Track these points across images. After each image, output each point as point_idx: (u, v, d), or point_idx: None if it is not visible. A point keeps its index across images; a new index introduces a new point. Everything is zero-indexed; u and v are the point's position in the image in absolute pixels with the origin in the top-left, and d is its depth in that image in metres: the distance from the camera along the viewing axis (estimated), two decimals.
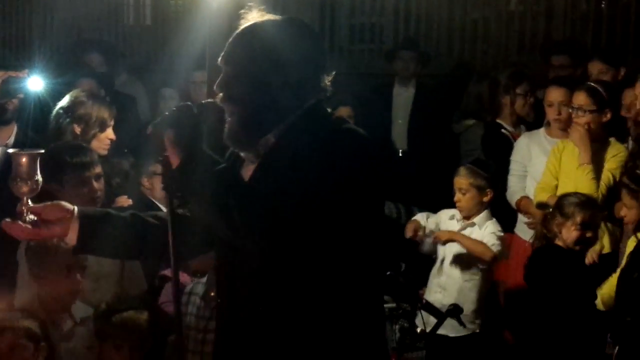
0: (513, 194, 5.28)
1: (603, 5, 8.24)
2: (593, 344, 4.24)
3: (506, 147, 5.58)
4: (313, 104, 2.42)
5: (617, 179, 4.70)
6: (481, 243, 4.79)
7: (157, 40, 8.39)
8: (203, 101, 2.44)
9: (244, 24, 2.46)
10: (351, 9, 8.72)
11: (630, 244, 4.16)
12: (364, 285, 2.42)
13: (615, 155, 4.81)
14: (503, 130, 5.81)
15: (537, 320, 4.36)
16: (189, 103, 2.45)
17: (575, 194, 4.51)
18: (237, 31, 2.45)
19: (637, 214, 4.13)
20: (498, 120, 5.87)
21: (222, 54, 2.44)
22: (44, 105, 4.76)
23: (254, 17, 2.46)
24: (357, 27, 8.83)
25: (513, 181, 5.31)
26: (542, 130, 5.33)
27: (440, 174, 5.92)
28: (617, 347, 4.04)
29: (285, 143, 2.36)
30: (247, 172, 2.44)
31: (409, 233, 4.88)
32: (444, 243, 4.84)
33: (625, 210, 4.20)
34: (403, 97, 7.00)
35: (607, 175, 4.77)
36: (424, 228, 4.92)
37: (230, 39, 2.45)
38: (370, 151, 2.40)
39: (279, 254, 2.29)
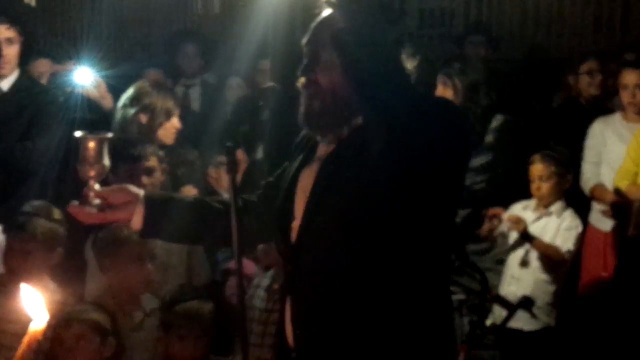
0: (587, 182, 5.13)
1: None
2: None
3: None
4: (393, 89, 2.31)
5: None
6: (552, 246, 4.67)
7: (225, 29, 8.42)
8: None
9: (327, 9, 2.41)
10: None
11: None
12: (437, 275, 2.37)
13: None
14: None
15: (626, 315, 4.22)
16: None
17: None
18: (323, 16, 2.41)
19: None
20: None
21: (307, 38, 2.41)
22: (91, 99, 4.81)
23: (334, 2, 2.40)
24: (426, 12, 8.72)
25: (587, 168, 5.17)
26: (617, 114, 5.17)
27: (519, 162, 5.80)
28: None
29: (381, 116, 2.21)
30: (322, 151, 2.40)
31: (485, 232, 4.78)
32: (522, 235, 4.71)
33: None
34: None
35: None
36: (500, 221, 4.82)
37: (317, 24, 2.41)
38: (466, 133, 2.36)
39: (357, 245, 2.24)
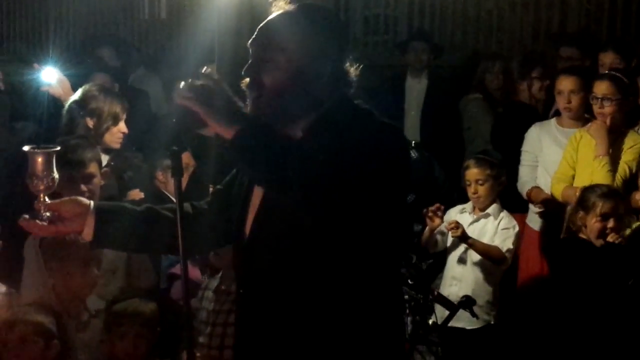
0: (524, 184, 5.27)
1: None
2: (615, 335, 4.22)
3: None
4: (341, 95, 2.42)
5: (634, 171, 4.68)
6: (493, 246, 4.79)
7: (172, 34, 8.40)
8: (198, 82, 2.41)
9: (275, 11, 2.46)
10: (365, 1, 8.70)
11: None
12: (387, 276, 2.43)
13: (632, 147, 4.77)
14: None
15: (557, 313, 4.35)
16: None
17: (597, 185, 4.48)
18: (270, 17, 2.46)
19: None
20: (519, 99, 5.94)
21: (252, 38, 2.44)
22: (57, 99, 4.82)
23: (281, 4, 2.47)
24: (371, 18, 8.81)
25: (524, 171, 5.30)
26: (553, 120, 5.31)
27: (453, 165, 5.92)
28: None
29: (315, 136, 2.34)
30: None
31: (427, 234, 4.89)
32: (460, 239, 4.82)
33: None
34: (416, 88, 6.98)
35: (623, 167, 4.74)
36: (431, 231, 4.93)
37: (263, 25, 2.45)
38: (402, 143, 2.43)
39: (309, 246, 2.29)
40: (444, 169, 6.22)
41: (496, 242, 4.83)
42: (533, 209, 5.29)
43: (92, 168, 3.97)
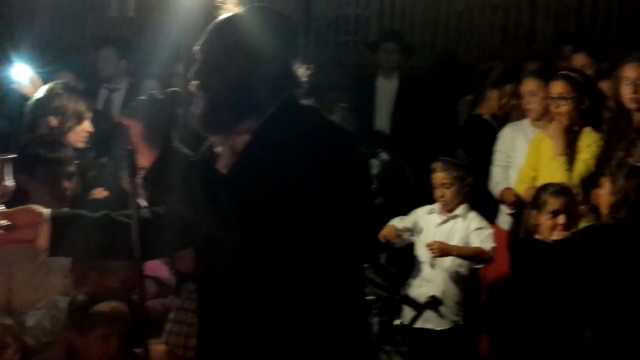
0: (496, 185, 5.29)
1: None
2: (571, 334, 4.26)
3: (489, 135, 5.63)
4: (288, 96, 2.43)
5: (592, 169, 4.71)
6: (478, 249, 4.79)
7: (141, 32, 8.35)
8: (167, 90, 2.43)
9: (222, 13, 2.47)
10: (337, 1, 8.71)
11: None
12: (344, 278, 2.43)
13: (589, 145, 4.78)
14: (485, 118, 5.87)
15: (517, 313, 4.38)
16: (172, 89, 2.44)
17: (549, 184, 4.52)
18: (215, 21, 2.47)
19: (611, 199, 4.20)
20: (478, 111, 5.91)
21: (199, 42, 2.46)
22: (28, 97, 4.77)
23: (230, 7, 2.47)
24: (342, 18, 8.81)
25: (497, 172, 5.32)
26: (526, 121, 5.33)
27: (424, 165, 5.93)
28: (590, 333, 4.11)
29: (261, 139, 2.36)
30: (222, 168, 2.43)
31: (382, 239, 4.89)
32: (439, 256, 4.79)
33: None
34: (386, 88, 7.00)
35: (580, 166, 4.76)
36: (400, 231, 4.93)
37: (207, 29, 2.47)
38: (349, 142, 2.44)
39: (261, 246, 2.29)
40: (414, 169, 6.22)
41: (475, 244, 4.83)
42: (504, 210, 5.31)
43: (72, 167, 3.93)
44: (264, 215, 2.23)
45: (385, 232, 4.89)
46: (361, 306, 2.58)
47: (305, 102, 2.53)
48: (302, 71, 2.47)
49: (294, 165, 2.24)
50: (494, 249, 4.78)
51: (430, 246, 4.73)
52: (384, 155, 5.43)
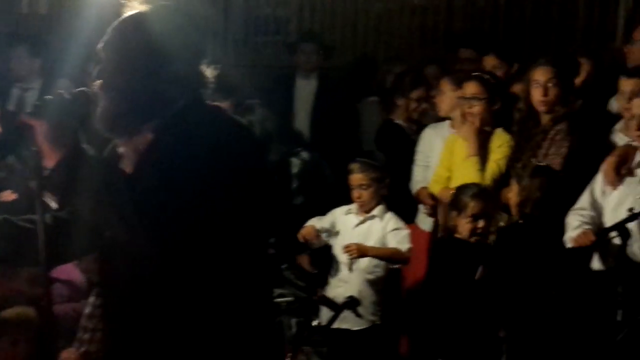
0: (415, 184, 5.37)
1: (500, 1, 8.44)
2: (488, 331, 4.32)
3: (401, 139, 5.71)
4: (193, 96, 2.42)
5: (503, 169, 4.80)
6: (394, 250, 4.82)
7: (53, 30, 8.17)
8: (74, 90, 2.39)
9: (127, 11, 2.44)
10: (256, 1, 8.68)
11: None
12: (252, 282, 2.41)
13: (500, 146, 4.89)
14: (398, 122, 5.94)
15: (434, 312, 4.43)
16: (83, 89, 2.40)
17: (468, 186, 4.60)
18: (119, 19, 2.44)
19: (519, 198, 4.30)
20: (391, 117, 6.00)
21: (102, 41, 2.43)
22: None
23: (136, 5, 2.44)
24: (261, 18, 8.78)
25: (416, 171, 5.40)
26: (447, 122, 5.41)
27: (343, 166, 5.95)
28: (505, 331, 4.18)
29: (165, 139, 2.34)
30: (126, 168, 2.41)
31: (301, 239, 4.89)
32: (356, 257, 4.82)
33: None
34: (305, 89, 6.99)
35: (492, 166, 4.85)
36: (319, 232, 4.94)
37: (111, 27, 2.44)
38: (254, 142, 2.46)
39: (165, 247, 2.27)
40: (333, 170, 6.24)
41: (392, 245, 4.87)
42: (421, 209, 5.37)
43: None
44: (167, 215, 2.21)
45: (304, 233, 4.90)
46: (269, 308, 2.56)
47: (220, 102, 2.52)
48: (209, 71, 2.45)
49: (198, 164, 2.23)
50: (410, 249, 4.83)
51: (347, 248, 4.75)
52: (304, 154, 5.43)
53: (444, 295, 4.39)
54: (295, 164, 5.32)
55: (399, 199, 5.33)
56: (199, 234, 2.26)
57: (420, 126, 5.82)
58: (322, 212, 5.09)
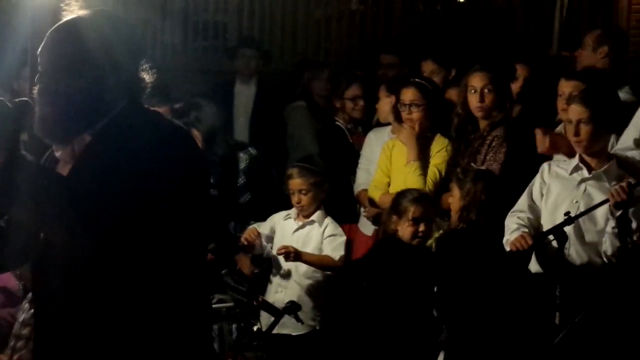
0: (357, 187, 5.39)
1: (439, 8, 8.54)
2: (429, 333, 4.35)
3: (341, 141, 5.77)
4: (130, 101, 2.40)
5: (443, 174, 4.84)
6: (326, 257, 4.83)
7: None
8: (16, 100, 2.35)
9: (66, 16, 2.41)
10: (195, 6, 8.63)
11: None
12: (187, 287, 2.40)
13: (439, 151, 4.93)
14: (338, 123, 5.98)
15: (374, 313, 4.43)
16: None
17: (409, 190, 4.62)
18: (58, 24, 2.40)
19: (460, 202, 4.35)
20: (336, 119, 6.02)
21: (43, 45, 2.39)
22: None
23: (73, 10, 2.42)
24: (201, 24, 8.74)
25: (359, 175, 5.43)
26: (389, 127, 5.43)
27: (282, 171, 5.95)
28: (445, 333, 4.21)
29: (103, 141, 2.32)
30: (63, 172, 2.38)
31: (244, 241, 4.87)
32: (291, 260, 4.83)
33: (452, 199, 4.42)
34: (244, 94, 6.99)
35: (432, 171, 4.89)
36: (259, 235, 4.93)
37: (48, 33, 2.40)
38: (192, 147, 2.44)
39: (104, 251, 2.24)
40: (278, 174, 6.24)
41: (326, 251, 4.87)
42: (362, 212, 5.38)
43: None
44: (105, 218, 2.19)
45: (247, 235, 4.88)
46: (205, 313, 2.55)
47: (157, 107, 2.52)
48: (148, 76, 2.44)
49: (137, 167, 2.21)
50: (342, 257, 4.85)
51: (284, 249, 4.75)
52: (252, 150, 5.42)
53: (384, 296, 4.40)
54: (243, 159, 5.30)
55: (342, 201, 5.36)
56: (137, 235, 2.24)
57: (365, 126, 5.86)
58: (269, 211, 5.10)
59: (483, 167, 4.54)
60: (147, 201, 2.22)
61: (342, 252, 4.86)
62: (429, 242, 4.58)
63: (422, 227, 4.45)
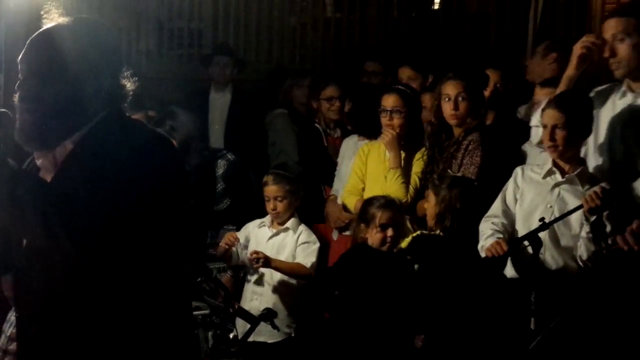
0: (334, 193, 5.39)
1: (413, 14, 8.57)
2: (401, 339, 4.35)
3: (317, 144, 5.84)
4: (112, 109, 2.41)
5: (422, 182, 4.83)
6: (296, 264, 4.84)
7: None
8: None
9: (46, 24, 2.42)
10: (169, 14, 8.60)
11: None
12: (169, 294, 2.41)
13: (419, 159, 4.92)
14: (317, 126, 6.02)
15: (347, 321, 4.43)
16: None
17: (375, 197, 4.60)
18: (39, 32, 2.41)
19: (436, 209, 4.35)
20: (315, 120, 6.07)
21: (24, 52, 2.40)
22: None
23: (53, 18, 2.42)
24: (175, 31, 8.71)
25: (336, 181, 5.46)
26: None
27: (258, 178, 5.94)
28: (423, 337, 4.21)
29: (85, 149, 2.33)
30: (45, 179, 2.37)
31: (223, 246, 4.86)
32: (261, 266, 4.84)
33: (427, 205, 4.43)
34: (219, 102, 6.98)
35: (414, 179, 4.88)
36: (237, 239, 4.93)
37: (29, 40, 2.41)
38: (174, 156, 2.47)
39: (87, 259, 2.25)
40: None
41: (298, 259, 4.87)
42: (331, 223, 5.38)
43: None
44: (88, 225, 2.20)
45: (226, 240, 4.87)
46: (186, 322, 2.54)
47: (132, 114, 2.54)
48: (129, 83, 2.46)
49: (118, 175, 2.23)
50: (314, 265, 4.84)
51: (255, 254, 4.76)
52: (230, 155, 5.41)
53: (357, 304, 4.39)
54: (221, 165, 5.31)
55: (318, 203, 5.36)
56: (120, 242, 2.25)
57: (344, 129, 5.88)
58: (248, 217, 5.12)
59: (460, 171, 4.54)
60: (130, 208, 2.23)
61: (313, 259, 4.86)
62: (403, 244, 4.56)
63: (390, 233, 4.43)
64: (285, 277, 4.86)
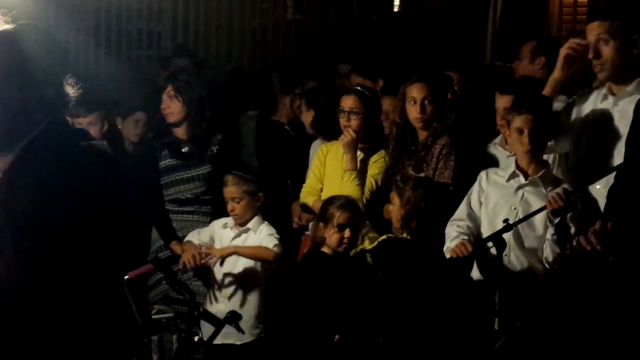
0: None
1: (374, 17, 8.62)
2: (367, 341, 4.36)
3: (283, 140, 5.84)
4: (53, 117, 2.39)
5: (379, 184, 4.84)
6: (259, 247, 4.82)
7: None
8: None
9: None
10: (129, 15, 8.54)
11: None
12: (107, 304, 2.40)
13: (377, 161, 4.91)
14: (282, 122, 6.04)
15: (312, 323, 4.43)
16: None
17: (336, 197, 4.59)
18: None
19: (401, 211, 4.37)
20: (276, 118, 6.08)
21: None
22: None
23: (0, 23, 2.39)
24: (134, 33, 8.66)
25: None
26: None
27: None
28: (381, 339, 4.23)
29: (26, 159, 2.31)
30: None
31: (185, 261, 4.84)
32: (222, 260, 4.84)
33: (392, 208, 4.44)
34: None
35: (370, 181, 4.87)
36: (200, 247, 4.90)
37: None
38: (111, 166, 2.44)
39: (31, 272, 2.24)
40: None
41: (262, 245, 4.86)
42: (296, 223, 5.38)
43: None
44: (29, 236, 2.20)
45: (188, 259, 4.83)
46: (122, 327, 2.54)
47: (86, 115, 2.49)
48: (72, 90, 2.44)
49: (61, 183, 2.23)
50: (278, 246, 4.82)
51: (212, 254, 4.77)
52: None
53: (319, 307, 4.40)
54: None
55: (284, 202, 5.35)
56: (59, 253, 2.25)
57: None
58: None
59: (434, 176, 4.55)
60: (68, 220, 2.23)
61: (276, 242, 4.83)
62: (369, 247, 4.57)
63: (347, 234, 4.43)
64: (252, 278, 4.84)
